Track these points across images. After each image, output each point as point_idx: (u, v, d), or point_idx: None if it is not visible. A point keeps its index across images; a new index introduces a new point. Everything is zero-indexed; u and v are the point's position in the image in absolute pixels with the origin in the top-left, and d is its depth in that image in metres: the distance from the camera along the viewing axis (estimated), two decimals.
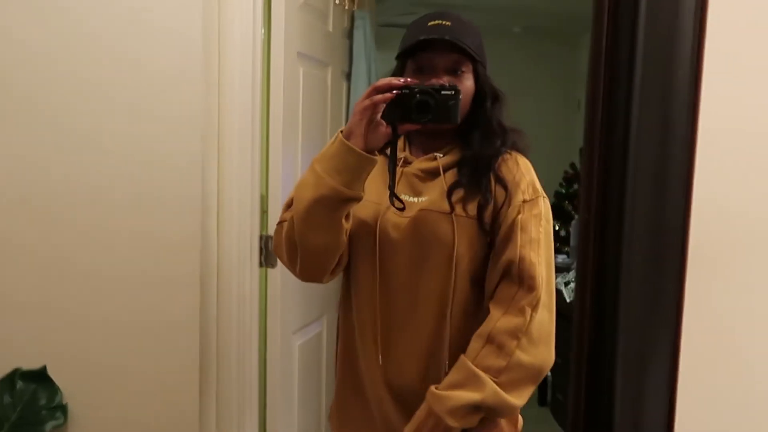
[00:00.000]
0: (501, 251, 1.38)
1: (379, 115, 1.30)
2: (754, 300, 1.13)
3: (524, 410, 1.45)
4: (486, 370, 1.30)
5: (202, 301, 1.98)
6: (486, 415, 1.32)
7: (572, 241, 4.40)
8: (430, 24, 1.40)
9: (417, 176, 1.45)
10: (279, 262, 1.80)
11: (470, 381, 1.31)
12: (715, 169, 1.03)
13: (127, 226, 1.95)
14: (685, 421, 0.96)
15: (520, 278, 1.33)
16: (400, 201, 1.37)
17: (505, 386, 1.29)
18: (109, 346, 1.98)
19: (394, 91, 1.28)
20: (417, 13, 1.61)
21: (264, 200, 2.17)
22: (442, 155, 1.45)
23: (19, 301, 1.96)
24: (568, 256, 4.48)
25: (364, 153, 1.29)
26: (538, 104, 5.00)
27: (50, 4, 1.88)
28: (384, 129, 1.31)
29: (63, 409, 1.97)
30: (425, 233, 1.40)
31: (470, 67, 1.41)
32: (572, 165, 5.03)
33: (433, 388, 1.36)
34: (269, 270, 2.21)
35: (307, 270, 1.44)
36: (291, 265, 1.45)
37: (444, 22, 1.39)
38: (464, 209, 1.39)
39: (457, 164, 1.44)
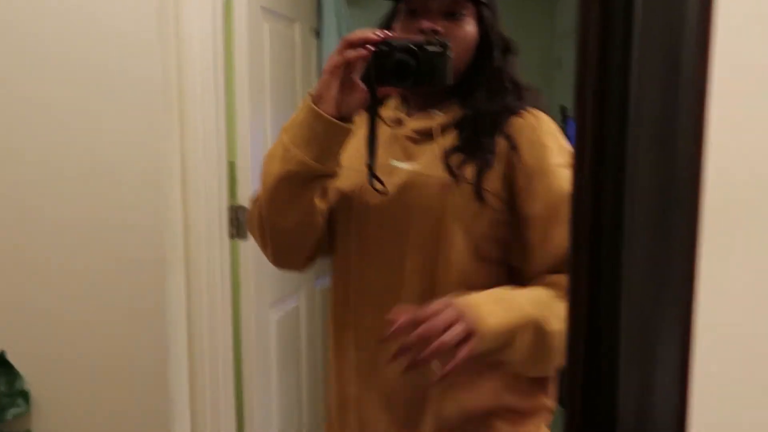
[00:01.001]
0: (548, 232, 1.15)
1: (355, 75, 1.10)
2: None
3: None
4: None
5: (169, 280, 1.88)
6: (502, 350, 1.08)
7: None
8: None
9: (410, 138, 1.24)
10: None
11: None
12: (734, 112, 0.91)
13: (84, 204, 1.84)
14: (702, 412, 0.84)
15: None
16: (380, 182, 1.18)
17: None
18: (72, 332, 1.89)
19: (371, 47, 1.09)
20: None
21: (233, 168, 2.05)
22: (440, 113, 1.25)
23: None
24: None
25: (335, 120, 1.10)
26: (517, 64, 4.88)
27: None
28: (361, 91, 1.11)
29: (25, 395, 1.88)
30: (409, 201, 1.20)
31: (472, 9, 1.19)
32: None
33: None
34: (242, 242, 2.09)
35: (279, 255, 1.28)
36: (263, 249, 1.29)
37: None
38: (462, 175, 1.18)
39: (458, 123, 1.22)
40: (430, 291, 1.18)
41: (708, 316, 0.94)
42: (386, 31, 1.13)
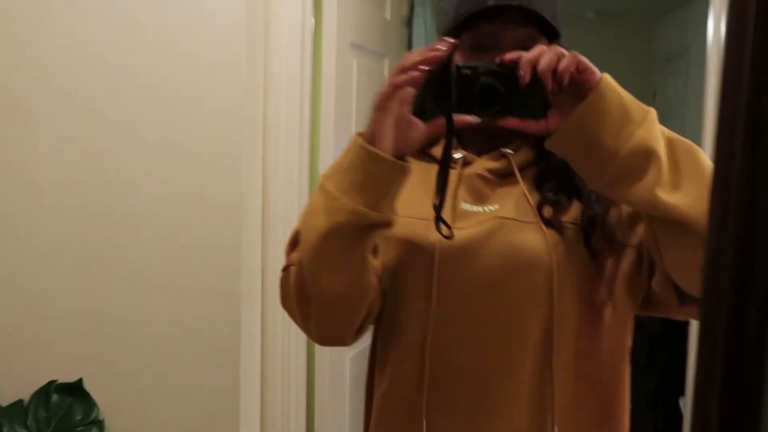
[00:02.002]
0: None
1: (408, 108, 0.94)
2: None
3: None
4: None
5: (244, 313, 1.87)
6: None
7: None
8: None
9: (483, 178, 1.09)
10: None
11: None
12: None
13: (168, 232, 1.86)
14: None
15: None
16: (448, 226, 1.01)
17: None
18: (148, 359, 1.90)
19: (425, 67, 0.93)
20: None
21: None
22: (512, 152, 1.09)
23: (56, 309, 1.90)
24: None
25: (394, 159, 0.94)
26: None
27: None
28: (417, 127, 0.96)
29: (99, 425, 1.90)
30: (504, 250, 1.04)
31: (545, 43, 1.04)
32: None
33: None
34: None
35: (325, 326, 1.08)
36: (304, 323, 1.08)
37: None
38: (558, 218, 1.05)
39: (537, 163, 1.08)
40: (538, 364, 1.05)
41: None
42: (449, 39, 0.95)
